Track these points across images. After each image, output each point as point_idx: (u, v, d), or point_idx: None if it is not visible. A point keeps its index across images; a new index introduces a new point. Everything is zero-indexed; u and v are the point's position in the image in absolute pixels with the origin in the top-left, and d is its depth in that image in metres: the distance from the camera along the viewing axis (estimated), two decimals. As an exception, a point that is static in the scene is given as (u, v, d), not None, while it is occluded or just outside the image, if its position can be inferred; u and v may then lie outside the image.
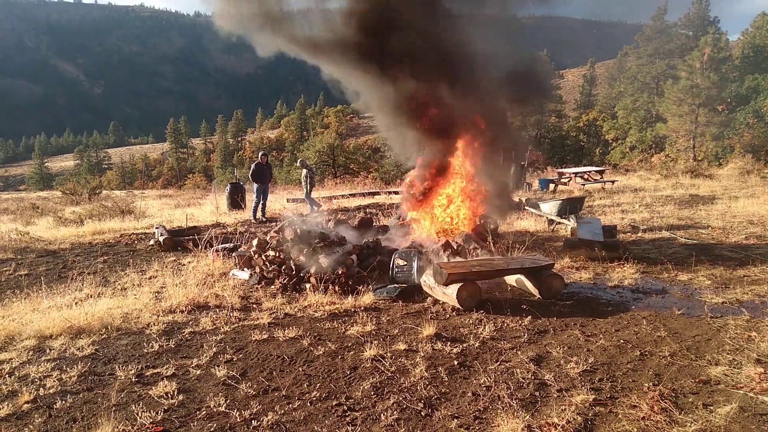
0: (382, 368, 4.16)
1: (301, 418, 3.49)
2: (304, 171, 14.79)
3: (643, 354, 4.29)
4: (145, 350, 4.74)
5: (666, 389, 3.66)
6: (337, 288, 6.33)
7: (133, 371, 4.28)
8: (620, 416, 3.35)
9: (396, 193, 18.89)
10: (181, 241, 9.81)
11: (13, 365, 4.49)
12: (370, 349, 4.50)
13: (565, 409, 3.42)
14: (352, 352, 4.54)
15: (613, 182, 19.03)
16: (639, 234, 9.47)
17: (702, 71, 30.28)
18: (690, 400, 3.53)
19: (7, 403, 3.78)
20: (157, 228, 10.93)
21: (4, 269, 8.61)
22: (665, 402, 3.47)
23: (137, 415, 3.54)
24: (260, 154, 14.61)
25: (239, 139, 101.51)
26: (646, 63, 44.37)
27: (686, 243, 8.56)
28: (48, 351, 4.80)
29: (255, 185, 13.71)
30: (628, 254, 7.57)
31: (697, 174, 21.51)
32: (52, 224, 14.31)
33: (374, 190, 21.73)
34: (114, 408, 3.69)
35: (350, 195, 19.89)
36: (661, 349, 4.36)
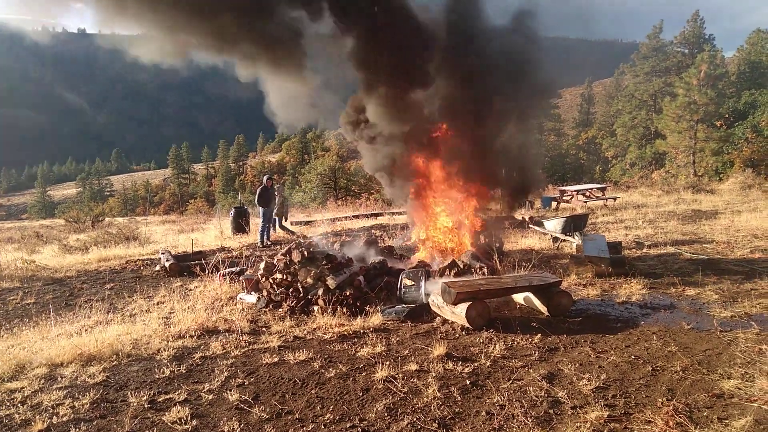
0: (395, 389, 4.16)
1: (316, 440, 3.49)
2: (279, 198, 14.76)
3: (654, 369, 4.29)
4: (157, 376, 4.74)
5: (680, 404, 3.65)
6: (345, 309, 6.34)
7: (145, 397, 4.28)
8: (636, 432, 3.34)
9: (399, 213, 18.96)
10: (187, 266, 9.83)
11: (25, 394, 4.49)
12: (381, 370, 4.50)
13: (580, 426, 3.42)
14: (363, 374, 4.54)
15: (615, 199, 19.09)
16: (644, 250, 9.49)
17: (699, 88, 30.56)
18: (705, 414, 3.53)
19: None
20: (162, 253, 10.97)
21: (12, 298, 8.63)
22: (680, 417, 3.47)
23: (152, 440, 3.54)
24: (265, 177, 14.62)
25: (241, 163, 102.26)
26: (643, 81, 44.82)
27: (692, 258, 8.57)
28: (59, 379, 4.80)
29: (261, 209, 13.75)
30: (634, 270, 7.60)
31: (699, 189, 21.58)
32: (57, 252, 14.36)
33: (377, 212, 21.82)
34: (128, 434, 3.69)
35: (353, 216, 19.96)
36: (672, 364, 4.36)
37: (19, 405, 4.26)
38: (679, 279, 7.16)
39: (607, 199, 18.56)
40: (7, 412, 4.12)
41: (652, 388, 3.97)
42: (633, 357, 4.56)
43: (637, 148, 43.18)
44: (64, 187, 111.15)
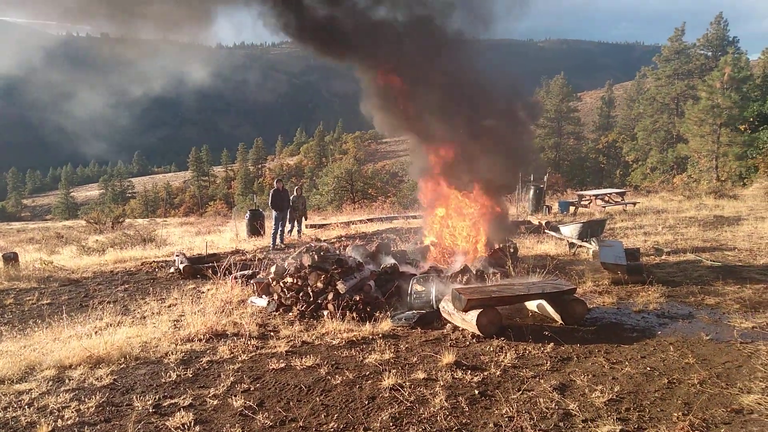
0: (401, 398, 4.08)
1: (318, 450, 3.42)
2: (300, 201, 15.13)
3: (671, 382, 4.14)
4: (163, 380, 4.72)
5: (696, 419, 3.51)
6: (354, 314, 6.28)
7: (150, 401, 4.26)
8: (649, 449, 3.22)
9: (414, 217, 18.86)
10: (200, 268, 9.87)
11: (33, 396, 4.50)
12: (388, 378, 4.42)
13: (590, 441, 3.30)
14: (370, 381, 4.46)
15: (634, 204, 18.74)
16: (663, 257, 9.27)
17: (723, 91, 29.91)
18: (722, 430, 3.38)
19: (25, 434, 3.78)
20: (177, 256, 11.03)
21: (28, 298, 8.73)
22: (696, 433, 3.33)
23: (153, 446, 3.51)
24: (276, 181, 14.76)
25: (259, 166, 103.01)
26: (665, 84, 44.05)
27: (712, 265, 8.34)
28: (67, 381, 4.81)
29: (274, 212, 13.81)
30: (652, 278, 7.41)
31: (721, 194, 21.07)
32: (75, 253, 14.55)
33: (392, 215, 21.73)
34: (130, 439, 3.66)
35: (368, 220, 19.90)
36: (689, 377, 4.20)
37: (26, 407, 4.27)
38: (699, 287, 6.96)
39: (626, 204, 18.23)
40: (14, 414, 4.14)
41: (667, 401, 3.83)
42: (648, 368, 4.42)
43: (658, 152, 42.47)
44: (87, 188, 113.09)
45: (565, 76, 54.99)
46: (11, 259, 11.74)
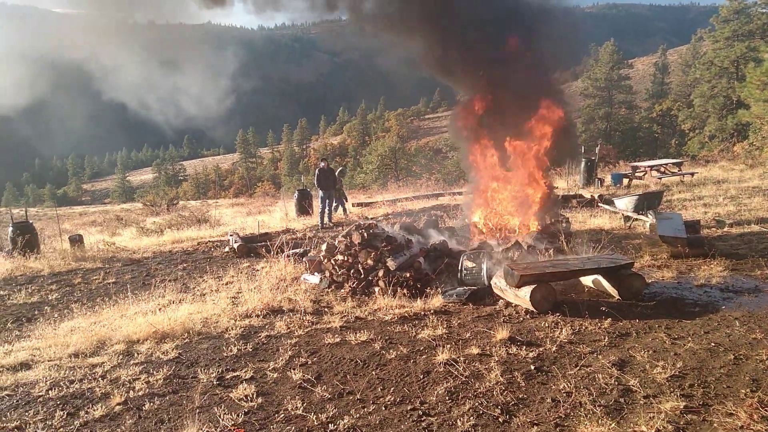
0: (456, 373, 4.10)
1: (377, 422, 3.50)
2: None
3: (737, 358, 3.99)
4: (225, 354, 4.92)
5: (766, 396, 3.38)
6: (405, 291, 6.32)
7: (214, 374, 4.45)
8: (716, 425, 3.13)
9: (460, 194, 18.69)
10: (254, 247, 10.13)
11: (105, 368, 4.78)
12: (442, 353, 4.45)
13: (653, 417, 3.23)
14: (424, 356, 4.51)
15: (692, 174, 17.92)
16: (725, 229, 8.85)
17: (789, 51, 28.00)
18: (795, 408, 3.24)
19: (100, 404, 4.02)
20: (231, 235, 11.36)
21: (94, 278, 9.21)
22: (765, 410, 3.21)
23: (219, 417, 3.67)
24: (321, 160, 14.92)
25: (304, 146, 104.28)
26: (723, 47, 41.48)
27: (780, 237, 7.91)
28: (136, 355, 5.08)
29: (320, 192, 13.97)
30: (714, 251, 7.10)
31: (788, 162, 19.88)
32: (135, 234, 15.22)
33: (438, 192, 21.60)
34: (198, 410, 3.85)
35: (414, 197, 19.85)
36: (757, 353, 4.04)
37: (100, 379, 4.54)
38: (766, 260, 6.62)
39: (684, 175, 17.45)
40: (89, 386, 4.41)
41: (734, 378, 3.70)
42: (713, 344, 4.27)
43: (717, 119, 40.26)
44: (141, 172, 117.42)
45: (615, 43, 52.59)
46: (77, 241, 12.40)
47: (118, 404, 4.04)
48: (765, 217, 9.62)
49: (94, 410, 3.93)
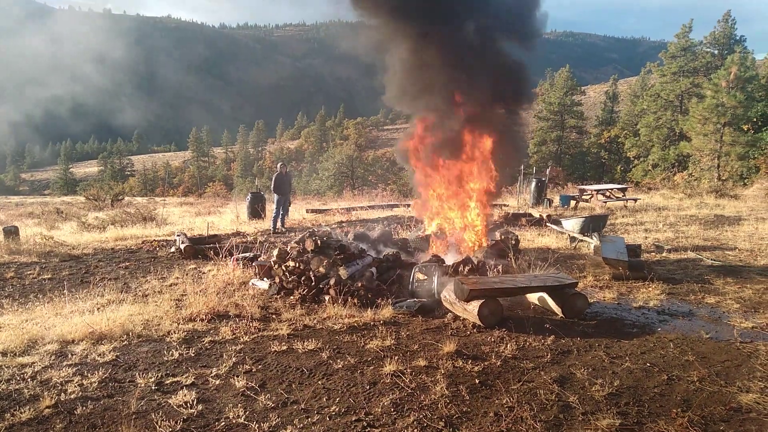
0: (402, 384, 4.11)
1: (320, 432, 3.45)
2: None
3: (670, 378, 4.17)
4: (165, 358, 4.75)
5: (695, 416, 3.54)
6: (356, 301, 6.30)
7: (153, 379, 4.29)
8: (648, 443, 3.25)
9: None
10: (201, 249, 9.88)
11: (36, 369, 4.52)
12: (389, 364, 4.45)
13: (590, 434, 3.33)
14: (371, 367, 4.49)
15: (635, 200, 18.76)
16: (663, 254, 9.29)
17: (728, 90, 29.78)
18: (721, 428, 3.41)
19: (29, 407, 3.80)
20: (178, 235, 11.04)
21: (29, 273, 8.74)
22: (695, 429, 3.36)
23: (157, 424, 3.53)
24: (279, 164, 14.77)
25: (260, 149, 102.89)
26: (669, 81, 43.79)
27: (713, 264, 8.37)
28: (70, 356, 4.84)
29: (275, 196, 13.81)
30: (653, 275, 7.43)
31: (722, 194, 21.09)
32: (75, 229, 14.56)
33: (393, 203, 21.73)
34: (134, 416, 3.69)
35: (369, 207, 19.89)
36: (689, 374, 4.23)
37: (29, 380, 4.29)
38: (699, 286, 6.99)
39: (627, 200, 18.24)
40: (17, 387, 4.16)
41: (666, 397, 3.87)
42: (648, 364, 4.45)
43: (660, 149, 42.33)
44: (86, 165, 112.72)
45: (570, 70, 54.63)
46: (12, 232, 11.76)
47: (48, 407, 3.82)
48: (701, 244, 10.16)
49: (21, 413, 3.71)
